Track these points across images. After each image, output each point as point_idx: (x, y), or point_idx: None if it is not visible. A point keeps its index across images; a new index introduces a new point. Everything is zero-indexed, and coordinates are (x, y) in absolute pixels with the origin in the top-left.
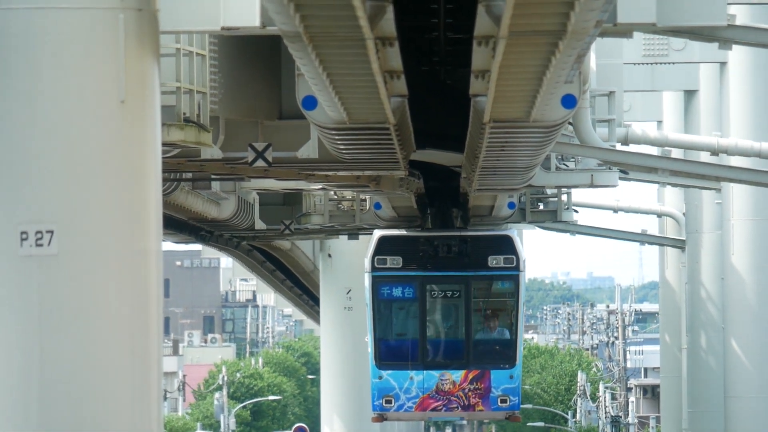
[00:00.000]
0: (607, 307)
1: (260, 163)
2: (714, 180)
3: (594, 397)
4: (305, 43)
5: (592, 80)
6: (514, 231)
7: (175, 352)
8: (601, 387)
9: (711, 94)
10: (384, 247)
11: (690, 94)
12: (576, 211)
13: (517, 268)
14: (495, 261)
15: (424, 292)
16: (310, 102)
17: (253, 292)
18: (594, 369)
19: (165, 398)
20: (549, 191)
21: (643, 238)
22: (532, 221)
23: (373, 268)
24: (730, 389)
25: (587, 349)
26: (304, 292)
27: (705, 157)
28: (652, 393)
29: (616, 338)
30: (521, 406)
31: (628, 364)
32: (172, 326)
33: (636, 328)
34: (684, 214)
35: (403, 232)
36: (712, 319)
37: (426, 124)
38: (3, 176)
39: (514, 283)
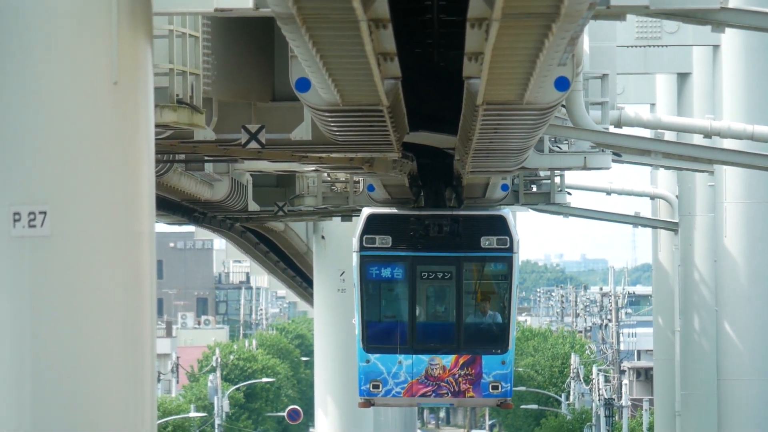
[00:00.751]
0: (600, 289)
1: (253, 144)
2: (707, 162)
3: (587, 380)
4: (298, 25)
5: (585, 63)
6: (507, 211)
7: (169, 333)
8: (594, 369)
9: (704, 77)
10: (373, 225)
11: (683, 77)
12: (569, 194)
13: (510, 249)
14: (488, 242)
15: (414, 273)
16: (304, 84)
17: (247, 273)
18: (587, 351)
19: (158, 380)
20: (542, 173)
21: (636, 221)
22: (526, 203)
23: (362, 248)
24: (723, 371)
25: (580, 332)
26: (297, 273)
27: (698, 139)
28: (645, 375)
29: (610, 321)
30: (514, 390)
31: (622, 347)
32: (166, 308)
33: (629, 310)
34: (677, 196)
35: (393, 210)
36: (705, 302)
37: (419, 106)
38: None
39: (508, 265)
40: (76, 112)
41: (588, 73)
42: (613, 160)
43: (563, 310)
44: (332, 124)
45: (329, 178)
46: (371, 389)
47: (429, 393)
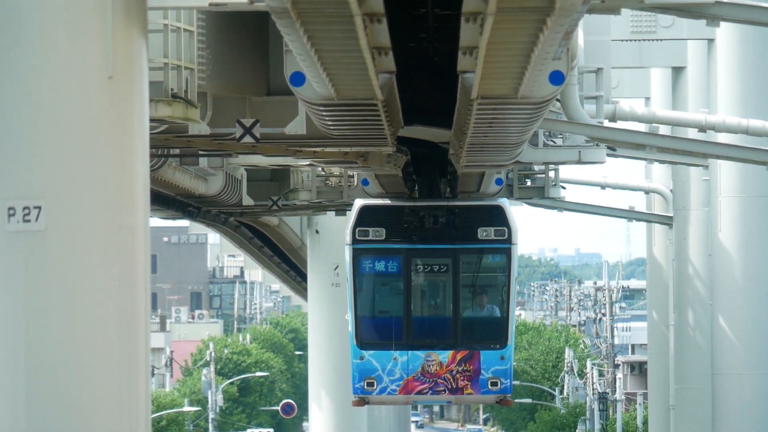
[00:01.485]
0: (595, 283)
1: (248, 139)
2: (701, 157)
3: (581, 374)
4: (293, 19)
5: (579, 57)
6: (505, 200)
7: (163, 328)
8: (588, 363)
9: (699, 71)
10: (366, 217)
11: (678, 71)
12: (563, 188)
13: (509, 240)
14: (485, 233)
15: (408, 266)
16: (298, 78)
17: (241, 268)
18: (581, 346)
19: (152, 374)
20: (537, 168)
21: (630, 215)
22: (520, 198)
23: (354, 240)
24: (717, 366)
25: (574, 326)
26: (291, 268)
27: (692, 133)
28: (639, 369)
29: (604, 315)
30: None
31: (616, 341)
32: (160, 302)
33: (623, 304)
34: (671, 190)
35: (386, 201)
36: (700, 296)
37: (414, 100)
38: None
39: (506, 256)
40: (71, 107)
41: (583, 67)
42: (608, 155)
43: (557, 304)
44: (327, 119)
45: (324, 173)
46: (365, 387)
47: (425, 390)
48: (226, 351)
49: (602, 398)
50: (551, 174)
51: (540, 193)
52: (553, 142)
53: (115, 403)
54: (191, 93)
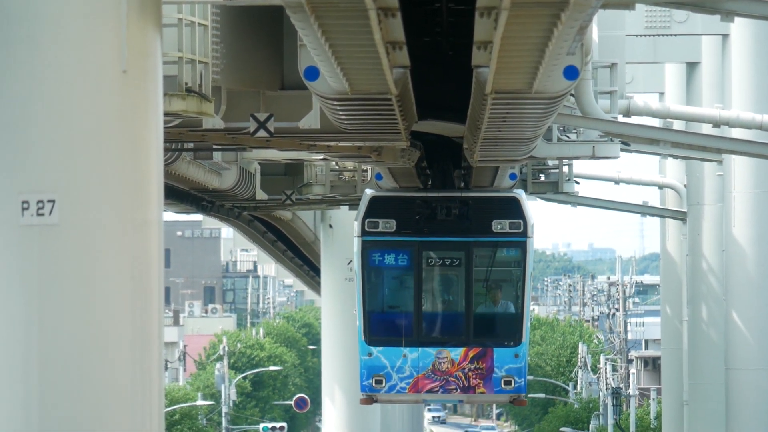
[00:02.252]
0: (608, 278)
1: (262, 133)
2: (716, 152)
3: (595, 369)
4: (307, 14)
5: (594, 52)
6: (521, 192)
7: (176, 322)
8: (601, 359)
9: (713, 67)
10: (376, 208)
11: (692, 66)
12: (577, 183)
13: (524, 233)
14: (500, 225)
15: (420, 259)
16: (312, 72)
17: (254, 262)
18: (595, 341)
19: (166, 368)
20: (550, 162)
21: (644, 210)
22: (534, 192)
23: (364, 232)
24: (730, 361)
25: (588, 321)
26: (304, 262)
27: (707, 129)
28: (652, 365)
29: (617, 310)
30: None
31: (629, 336)
32: (173, 296)
33: (637, 299)
34: (685, 185)
35: (397, 192)
36: (713, 291)
37: (428, 95)
38: (5, 146)
39: (521, 250)
40: (85, 101)
41: (597, 63)
42: (622, 150)
43: (571, 299)
44: (341, 113)
45: (337, 167)
46: (374, 384)
47: (436, 388)
48: (239, 345)
49: (615, 393)
50: (565, 169)
51: (554, 188)
52: (567, 137)
53: (129, 397)
54: (205, 87)
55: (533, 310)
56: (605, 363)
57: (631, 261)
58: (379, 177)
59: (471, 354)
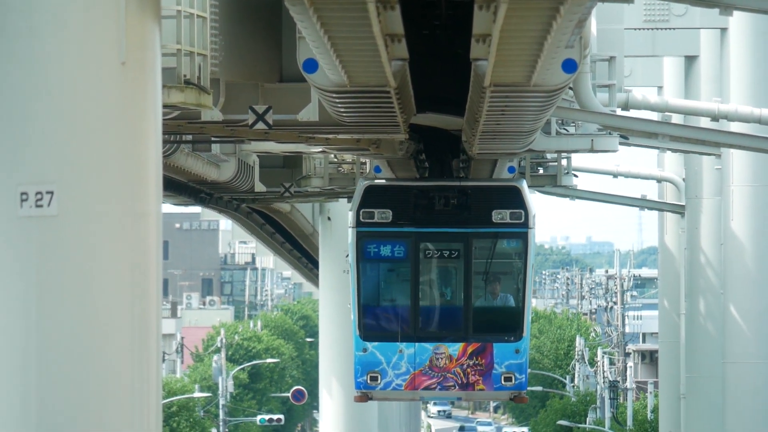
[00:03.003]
0: (606, 272)
1: (260, 125)
2: (714, 146)
3: (592, 362)
4: (306, 6)
5: (592, 45)
6: (523, 181)
7: (174, 314)
8: (599, 352)
9: (712, 60)
10: (371, 198)
11: (691, 60)
12: (576, 176)
13: (525, 224)
14: (500, 215)
15: (417, 251)
16: (311, 65)
17: (252, 254)
18: (592, 334)
19: (163, 360)
20: (549, 156)
21: (642, 203)
22: (532, 185)
23: (358, 223)
24: (728, 355)
25: (585, 314)
26: (303, 255)
27: (705, 122)
28: (650, 358)
29: (615, 303)
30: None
31: (627, 329)
32: (171, 288)
33: (635, 293)
34: (684, 179)
35: (394, 181)
36: (711, 285)
37: (426, 87)
38: (3, 137)
39: (522, 241)
40: (84, 92)
41: (595, 56)
42: (620, 143)
43: (568, 292)
44: (339, 106)
45: (336, 160)
46: (369, 381)
47: (433, 385)
48: (236, 337)
49: (613, 386)
50: (563, 162)
51: (552, 181)
52: (566, 130)
53: (127, 389)
54: (204, 79)
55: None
56: (602, 356)
57: (629, 254)
58: (378, 170)
59: (470, 349)
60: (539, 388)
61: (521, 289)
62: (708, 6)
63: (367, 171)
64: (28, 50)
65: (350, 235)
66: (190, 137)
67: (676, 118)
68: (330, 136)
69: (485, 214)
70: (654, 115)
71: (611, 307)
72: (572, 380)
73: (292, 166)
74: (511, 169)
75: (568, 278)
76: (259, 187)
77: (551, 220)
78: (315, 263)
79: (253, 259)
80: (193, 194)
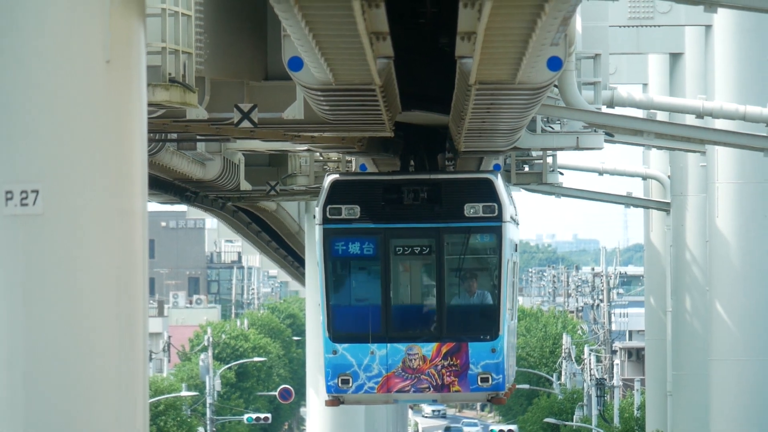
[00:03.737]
0: (592, 269)
1: (246, 123)
2: (699, 143)
3: (579, 360)
4: (291, 4)
5: (577, 43)
6: (497, 173)
7: (160, 313)
8: (585, 349)
9: (696, 57)
10: (338, 193)
11: (675, 57)
12: (561, 174)
13: (499, 218)
14: (472, 209)
15: (387, 248)
16: (296, 63)
17: (239, 253)
18: (579, 331)
19: (150, 359)
20: (534, 153)
21: (628, 201)
22: (518, 183)
23: (325, 220)
24: (714, 352)
25: (572, 312)
26: (289, 253)
27: (690, 119)
28: (636, 356)
29: (601, 301)
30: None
31: (613, 327)
32: (157, 287)
33: (621, 290)
34: (669, 176)
35: (361, 176)
36: (697, 282)
37: (412, 85)
38: None
39: (496, 236)
40: (69, 91)
41: (580, 53)
42: (606, 140)
43: (555, 290)
44: (324, 104)
45: (321, 158)
46: (339, 385)
47: (407, 387)
48: (223, 336)
49: (599, 384)
50: (549, 160)
51: (538, 179)
52: (551, 128)
53: (114, 388)
54: (189, 77)
55: (517, 301)
56: (589, 354)
57: (615, 252)
58: (363, 168)
59: (444, 349)
60: (526, 386)
61: (497, 285)
62: (692, 3)
63: (353, 169)
64: (11, 49)
65: (317, 232)
66: (175, 135)
67: (661, 116)
68: (315, 134)
69: (457, 208)
70: (639, 113)
71: (598, 305)
72: (559, 378)
73: (277, 164)
74: (496, 167)
75: (554, 276)
76: (245, 185)
77: (537, 218)
78: (301, 261)
79: (240, 257)
80: (178, 193)
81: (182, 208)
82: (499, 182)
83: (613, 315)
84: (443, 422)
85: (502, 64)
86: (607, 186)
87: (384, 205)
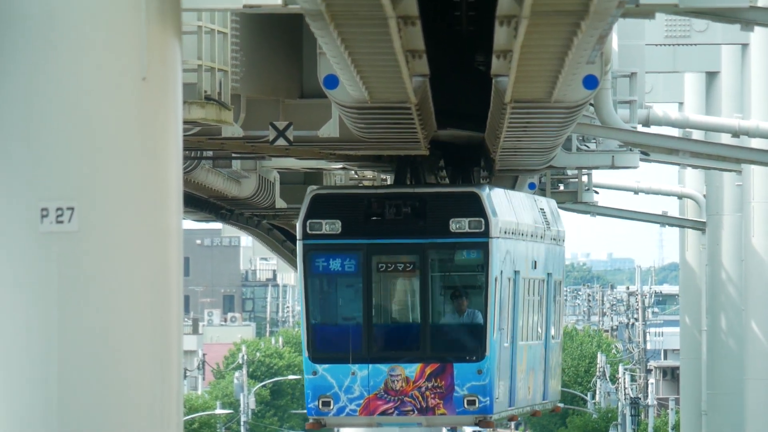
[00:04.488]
0: (627, 288)
1: (281, 141)
2: (735, 162)
3: (613, 379)
4: (327, 22)
5: (613, 61)
6: (485, 188)
7: (195, 330)
8: (620, 368)
9: (732, 76)
10: (318, 208)
11: (711, 76)
12: (596, 192)
13: (486, 233)
14: (458, 225)
15: (369, 264)
16: (332, 81)
17: (273, 271)
18: (613, 350)
19: (185, 377)
20: (570, 172)
21: (663, 220)
22: None
23: (305, 235)
24: (749, 371)
25: (607, 331)
26: None
27: (726, 138)
28: (671, 375)
29: (636, 320)
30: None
31: (648, 346)
32: (192, 305)
33: (656, 309)
34: (704, 195)
35: (343, 189)
36: (732, 301)
37: (447, 103)
38: (24, 153)
39: (483, 252)
40: (105, 108)
41: (616, 72)
42: (641, 159)
43: (590, 309)
44: (360, 122)
45: (357, 176)
46: (320, 407)
47: (390, 410)
48: (258, 354)
49: (634, 403)
50: (584, 178)
51: (573, 198)
52: (587, 146)
53: (148, 406)
54: (224, 95)
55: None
56: (624, 373)
57: (651, 271)
58: None
59: (428, 370)
60: (560, 405)
61: (484, 303)
62: (729, 22)
63: None
64: (48, 65)
65: (297, 247)
66: (210, 153)
67: (697, 134)
68: (350, 152)
69: (442, 223)
70: (675, 131)
71: (632, 324)
72: (593, 397)
73: (312, 182)
74: (531, 186)
75: (589, 295)
76: (280, 203)
77: (572, 237)
78: None
79: (275, 275)
80: (213, 210)
81: (217, 225)
82: (487, 196)
83: (648, 334)
84: None
85: (537, 83)
86: (643, 205)
87: (366, 219)
